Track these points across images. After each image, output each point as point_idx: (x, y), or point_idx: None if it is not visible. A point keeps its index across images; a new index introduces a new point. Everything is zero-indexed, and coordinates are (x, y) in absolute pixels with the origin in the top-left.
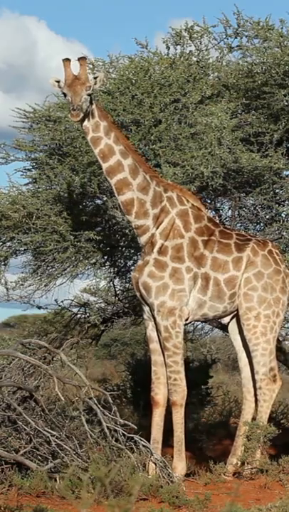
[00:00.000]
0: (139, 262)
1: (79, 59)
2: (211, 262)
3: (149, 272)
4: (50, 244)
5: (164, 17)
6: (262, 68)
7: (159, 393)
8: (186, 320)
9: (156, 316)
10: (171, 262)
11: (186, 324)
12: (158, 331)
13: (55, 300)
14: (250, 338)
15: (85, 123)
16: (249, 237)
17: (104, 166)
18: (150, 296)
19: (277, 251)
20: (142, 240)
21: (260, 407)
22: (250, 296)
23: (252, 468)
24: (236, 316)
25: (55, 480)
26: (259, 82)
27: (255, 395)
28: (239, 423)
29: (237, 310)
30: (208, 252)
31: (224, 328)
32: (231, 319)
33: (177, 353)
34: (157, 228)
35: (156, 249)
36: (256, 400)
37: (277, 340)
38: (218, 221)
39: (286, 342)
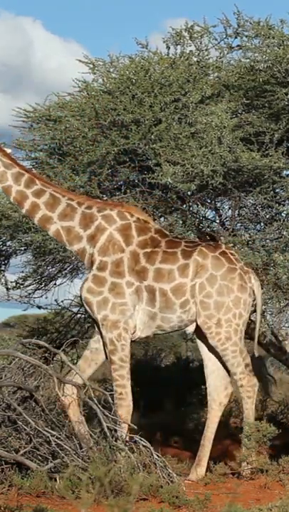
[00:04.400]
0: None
1: None
2: (154, 273)
3: (88, 287)
4: (50, 244)
5: (161, 17)
6: (263, 66)
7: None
8: (143, 334)
9: (102, 329)
10: (110, 277)
11: (144, 338)
12: (104, 344)
13: (55, 300)
14: (216, 344)
15: None
16: (200, 242)
17: (23, 211)
18: (93, 312)
19: (232, 251)
20: (85, 262)
21: (246, 404)
22: (206, 303)
23: (251, 468)
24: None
25: (55, 480)
26: (260, 80)
27: (233, 397)
28: (205, 433)
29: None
30: (149, 265)
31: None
32: (197, 327)
33: (123, 367)
34: (94, 247)
35: (95, 266)
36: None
37: (278, 340)
38: (167, 231)
39: (286, 342)
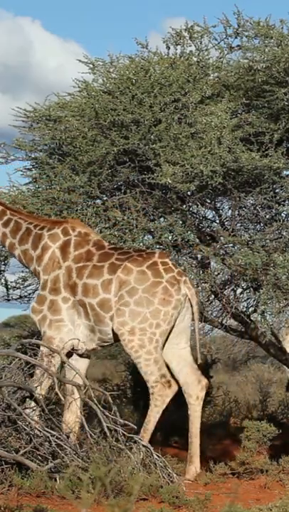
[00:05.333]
0: None
1: None
2: (82, 288)
3: (31, 307)
4: None
5: (159, 17)
6: (262, 66)
7: None
8: (88, 347)
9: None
10: (49, 295)
11: (91, 351)
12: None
13: None
14: (129, 352)
15: None
16: (132, 254)
17: None
18: (39, 329)
19: (164, 261)
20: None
21: (150, 411)
22: (121, 311)
23: (246, 469)
24: None
25: (55, 480)
26: (260, 80)
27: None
28: (191, 430)
29: None
30: (78, 279)
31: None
32: None
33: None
34: (40, 266)
35: (40, 286)
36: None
37: (277, 340)
38: (106, 243)
39: (286, 342)
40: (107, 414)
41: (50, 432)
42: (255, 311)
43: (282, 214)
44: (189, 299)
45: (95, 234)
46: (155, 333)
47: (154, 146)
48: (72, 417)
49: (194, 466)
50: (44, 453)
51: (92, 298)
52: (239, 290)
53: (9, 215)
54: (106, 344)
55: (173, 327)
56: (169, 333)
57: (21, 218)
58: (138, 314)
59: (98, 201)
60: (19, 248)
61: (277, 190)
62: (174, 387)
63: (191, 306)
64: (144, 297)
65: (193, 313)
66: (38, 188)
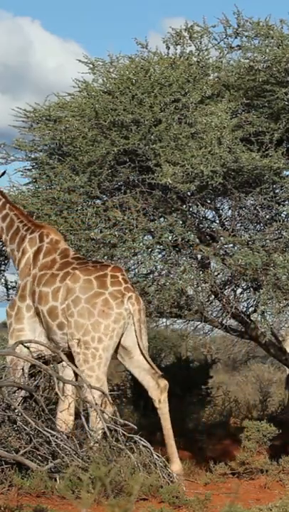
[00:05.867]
0: None
1: None
2: (38, 295)
3: (6, 310)
4: None
5: (158, 16)
6: (263, 65)
7: None
8: (49, 352)
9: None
10: (17, 302)
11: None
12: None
13: None
14: (77, 363)
15: None
16: (89, 263)
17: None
18: None
19: (115, 274)
20: None
21: (91, 417)
22: (69, 322)
23: (246, 469)
24: None
25: (55, 480)
26: (260, 79)
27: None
28: (164, 432)
29: None
30: (37, 287)
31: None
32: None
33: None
34: (18, 269)
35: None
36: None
37: (277, 340)
38: (71, 252)
39: (286, 342)
40: (107, 414)
41: (50, 432)
42: (255, 311)
43: (282, 214)
44: (132, 315)
45: (65, 242)
46: (98, 348)
47: (154, 146)
48: (67, 415)
49: (177, 463)
50: (44, 453)
51: (44, 305)
52: (239, 290)
53: (8, 210)
54: (66, 351)
55: (120, 343)
56: (118, 348)
57: (16, 215)
58: (81, 326)
59: (98, 201)
60: (9, 246)
61: (277, 191)
62: (109, 409)
63: (134, 323)
64: (85, 308)
65: (135, 331)
66: (38, 188)
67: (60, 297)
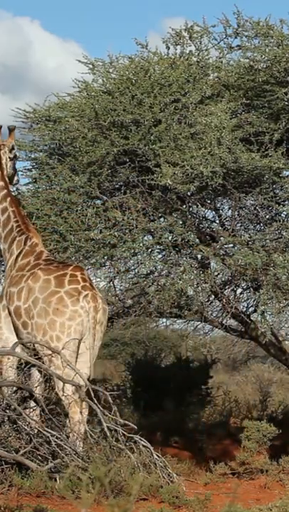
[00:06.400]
0: None
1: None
2: (9, 295)
3: None
4: (50, 244)
5: (157, 16)
6: (263, 65)
7: None
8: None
9: None
10: None
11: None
12: None
13: None
14: (45, 364)
15: None
16: (54, 264)
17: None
18: None
19: (74, 273)
20: None
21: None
22: (31, 324)
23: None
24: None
25: (55, 480)
26: (260, 79)
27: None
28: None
29: None
30: (7, 288)
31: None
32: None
33: None
34: (5, 270)
35: None
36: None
37: (277, 340)
38: (45, 255)
39: (286, 342)
40: (107, 414)
41: (50, 432)
42: (255, 311)
43: (282, 214)
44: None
45: (42, 245)
46: (58, 346)
47: (154, 146)
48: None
49: None
50: (44, 453)
51: (11, 305)
52: (239, 290)
53: (8, 204)
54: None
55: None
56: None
57: (14, 212)
58: (40, 327)
59: (98, 201)
60: (2, 244)
61: (277, 191)
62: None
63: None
64: (42, 308)
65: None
66: (38, 188)
67: (23, 297)
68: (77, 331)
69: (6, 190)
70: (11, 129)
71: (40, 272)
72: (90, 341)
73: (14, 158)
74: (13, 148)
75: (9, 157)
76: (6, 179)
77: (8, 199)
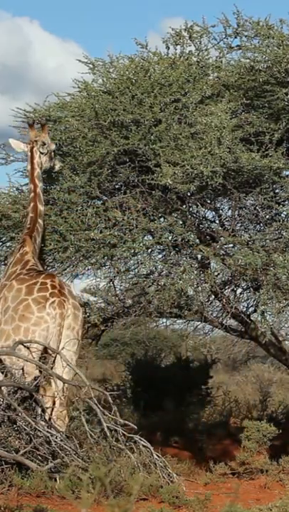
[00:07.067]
0: None
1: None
2: None
3: None
4: (50, 244)
5: (157, 17)
6: (263, 66)
7: None
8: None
9: None
10: None
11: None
12: None
13: None
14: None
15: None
16: (30, 273)
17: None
18: None
19: (44, 281)
20: None
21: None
22: None
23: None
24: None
25: (55, 480)
26: (260, 80)
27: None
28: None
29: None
30: None
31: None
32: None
33: None
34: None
35: None
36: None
37: (277, 340)
38: (30, 264)
39: (286, 342)
40: (107, 414)
41: (50, 432)
42: (255, 311)
43: (282, 214)
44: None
45: (31, 254)
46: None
47: (154, 146)
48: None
49: None
50: (44, 453)
51: None
52: (239, 290)
53: (30, 210)
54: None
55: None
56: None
57: (31, 218)
58: (4, 333)
59: (98, 201)
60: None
61: (277, 191)
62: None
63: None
64: (10, 315)
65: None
66: None
67: (0, 306)
68: (41, 335)
69: (33, 194)
70: (43, 124)
71: (14, 282)
72: (56, 346)
73: (48, 153)
74: (44, 144)
75: (41, 152)
76: (36, 181)
77: (32, 204)
